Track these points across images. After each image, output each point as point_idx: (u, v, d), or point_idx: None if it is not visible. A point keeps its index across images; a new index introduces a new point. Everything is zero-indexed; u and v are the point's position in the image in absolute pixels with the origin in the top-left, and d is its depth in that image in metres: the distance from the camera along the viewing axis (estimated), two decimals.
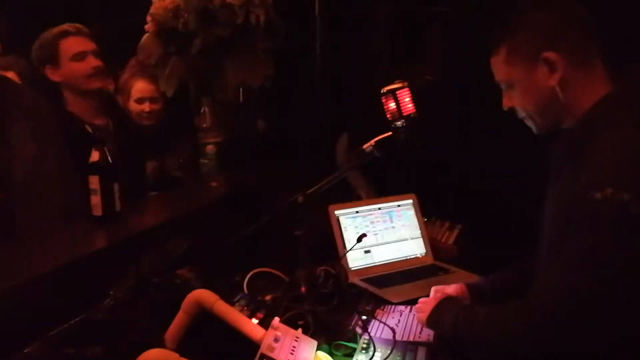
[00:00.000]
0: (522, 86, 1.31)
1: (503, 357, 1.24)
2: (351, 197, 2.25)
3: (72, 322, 1.31)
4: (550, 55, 1.24)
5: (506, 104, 1.37)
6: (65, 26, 2.22)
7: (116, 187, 1.72)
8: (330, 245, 1.93)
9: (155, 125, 2.70)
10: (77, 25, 2.24)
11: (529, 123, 1.36)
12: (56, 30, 2.21)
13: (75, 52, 2.19)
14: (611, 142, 1.16)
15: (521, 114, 1.36)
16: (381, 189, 2.61)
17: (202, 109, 2.33)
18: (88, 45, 2.23)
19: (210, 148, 2.31)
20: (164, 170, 2.62)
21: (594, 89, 1.25)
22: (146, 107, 2.66)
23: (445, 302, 1.46)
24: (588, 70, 1.27)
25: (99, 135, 1.73)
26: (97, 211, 1.71)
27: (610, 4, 1.45)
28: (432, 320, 1.45)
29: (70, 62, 2.19)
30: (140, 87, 2.65)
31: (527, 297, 1.29)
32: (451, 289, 1.58)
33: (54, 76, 2.21)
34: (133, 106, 2.66)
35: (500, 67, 1.34)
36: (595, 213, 1.11)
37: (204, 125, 2.31)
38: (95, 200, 1.70)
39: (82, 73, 2.20)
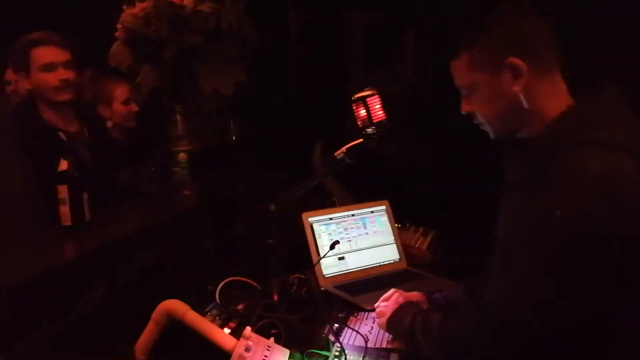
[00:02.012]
0: (484, 91, 1.31)
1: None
2: (326, 204, 2.24)
3: (41, 333, 1.29)
4: (515, 61, 1.24)
5: (465, 108, 1.37)
6: (38, 34, 2.17)
7: (85, 196, 1.70)
8: (304, 252, 1.93)
9: (133, 130, 2.76)
10: (51, 33, 2.19)
11: (486, 128, 1.36)
12: (29, 37, 2.17)
13: (44, 63, 2.15)
14: (575, 164, 1.15)
15: (479, 119, 1.36)
16: (357, 195, 2.62)
17: (174, 116, 2.31)
18: (59, 55, 2.18)
19: (182, 156, 2.29)
20: (136, 182, 2.60)
21: (555, 101, 1.26)
22: (133, 107, 2.72)
23: (405, 306, 1.49)
24: (550, 81, 1.27)
25: (68, 144, 1.69)
26: (66, 221, 1.68)
27: (572, 21, 1.46)
28: (391, 324, 1.47)
29: (39, 73, 2.15)
30: (124, 89, 2.69)
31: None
32: (411, 295, 1.59)
33: (25, 84, 2.18)
34: (121, 109, 2.70)
35: (461, 72, 1.33)
36: (554, 231, 1.12)
37: (176, 132, 2.29)
38: (64, 209, 1.68)
39: (50, 85, 2.16)
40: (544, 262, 1.13)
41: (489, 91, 1.30)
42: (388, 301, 1.56)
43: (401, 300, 1.53)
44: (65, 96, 2.19)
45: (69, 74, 2.18)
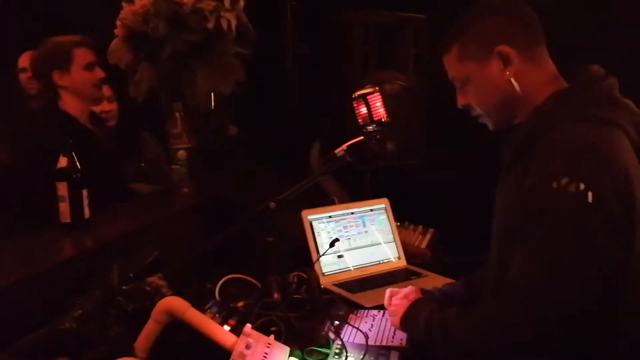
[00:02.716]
0: (477, 82, 1.34)
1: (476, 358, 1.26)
2: (325, 202, 2.24)
3: (39, 332, 1.28)
4: (504, 49, 1.28)
5: (460, 101, 1.40)
6: (79, 36, 2.34)
7: (85, 193, 1.70)
8: (303, 250, 1.92)
9: (115, 128, 2.77)
10: (87, 37, 2.36)
11: (484, 120, 1.39)
12: (70, 38, 2.32)
13: (87, 62, 2.30)
14: (564, 136, 1.18)
15: (476, 111, 1.38)
16: (354, 193, 2.61)
17: (173, 114, 2.31)
18: (94, 57, 2.34)
19: (181, 154, 2.28)
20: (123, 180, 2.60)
21: (545, 85, 1.29)
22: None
23: (418, 304, 1.45)
24: (539, 67, 1.31)
25: (67, 141, 1.69)
26: (65, 218, 1.68)
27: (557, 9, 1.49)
28: (405, 322, 1.44)
29: (81, 70, 2.29)
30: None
31: (494, 297, 1.32)
32: (406, 290, 1.55)
33: (61, 81, 2.29)
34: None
35: (453, 65, 1.37)
36: (551, 203, 1.13)
37: (175, 130, 2.29)
38: (63, 207, 1.68)
39: (90, 82, 2.31)
40: (549, 237, 1.13)
41: (481, 81, 1.33)
42: (398, 299, 1.52)
43: (412, 297, 1.50)
44: (99, 93, 2.39)
45: (103, 74, 2.36)
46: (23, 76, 2.90)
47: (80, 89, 2.31)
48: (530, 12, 1.32)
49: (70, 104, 2.31)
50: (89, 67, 2.30)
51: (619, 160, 1.15)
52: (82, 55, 2.29)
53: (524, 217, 1.19)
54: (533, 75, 1.30)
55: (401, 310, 1.46)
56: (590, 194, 1.09)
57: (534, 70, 1.30)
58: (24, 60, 2.91)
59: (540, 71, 1.31)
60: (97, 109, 2.66)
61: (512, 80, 1.28)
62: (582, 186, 1.10)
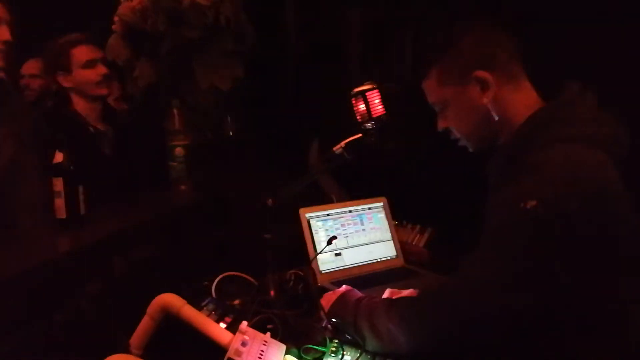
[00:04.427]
0: (456, 106, 1.35)
1: (395, 348, 1.29)
2: (323, 200, 2.23)
3: (35, 327, 1.28)
4: (481, 74, 1.29)
5: (441, 125, 1.42)
6: (76, 35, 2.32)
7: (81, 189, 1.69)
8: (301, 248, 1.92)
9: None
10: (86, 33, 2.34)
11: (464, 143, 1.41)
12: (68, 38, 2.30)
13: (86, 60, 2.28)
14: (541, 158, 1.19)
15: (456, 134, 1.40)
16: (352, 191, 2.61)
17: (171, 111, 2.30)
18: (97, 53, 2.32)
19: (179, 151, 2.28)
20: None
21: (525, 107, 1.29)
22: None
23: (350, 292, 1.50)
24: (517, 89, 1.31)
25: (61, 137, 1.69)
26: (61, 214, 1.67)
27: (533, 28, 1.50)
28: (335, 309, 1.46)
29: (81, 70, 2.28)
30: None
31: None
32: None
33: (65, 82, 2.30)
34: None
35: (433, 90, 1.39)
36: (517, 219, 1.14)
37: (173, 127, 2.28)
38: (59, 203, 1.67)
39: (92, 80, 2.30)
40: (511, 246, 1.15)
41: (460, 105, 1.35)
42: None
43: (348, 288, 1.54)
44: (104, 90, 2.35)
45: (107, 70, 2.33)
46: (22, 82, 2.87)
47: (83, 88, 2.30)
48: (507, 34, 1.33)
49: (79, 105, 2.32)
50: (88, 65, 2.29)
51: (594, 181, 1.16)
52: (80, 54, 2.28)
53: (487, 226, 1.20)
54: (512, 97, 1.30)
55: (333, 298, 1.49)
56: (556, 219, 1.10)
57: (513, 93, 1.31)
58: (28, 68, 2.89)
59: (519, 93, 1.31)
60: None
61: (490, 105, 1.29)
62: (549, 210, 1.11)
